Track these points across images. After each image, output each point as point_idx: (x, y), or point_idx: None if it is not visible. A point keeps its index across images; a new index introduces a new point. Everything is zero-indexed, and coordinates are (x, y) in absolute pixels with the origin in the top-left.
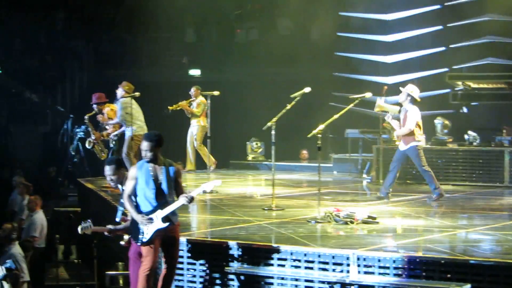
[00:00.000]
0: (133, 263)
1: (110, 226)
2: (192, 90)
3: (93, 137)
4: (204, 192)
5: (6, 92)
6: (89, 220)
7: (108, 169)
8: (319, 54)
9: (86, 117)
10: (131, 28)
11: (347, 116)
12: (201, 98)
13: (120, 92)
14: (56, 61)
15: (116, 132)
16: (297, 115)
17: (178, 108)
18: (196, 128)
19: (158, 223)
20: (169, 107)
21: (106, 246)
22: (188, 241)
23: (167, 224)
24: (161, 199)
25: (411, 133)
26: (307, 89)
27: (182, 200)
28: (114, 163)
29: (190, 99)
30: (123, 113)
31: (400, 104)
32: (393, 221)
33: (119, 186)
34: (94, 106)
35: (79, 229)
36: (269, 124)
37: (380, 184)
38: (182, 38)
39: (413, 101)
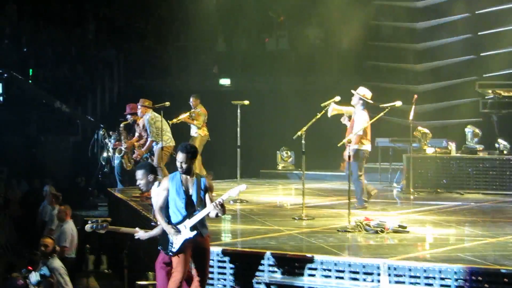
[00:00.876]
0: (158, 271)
1: (141, 231)
2: (191, 100)
3: (124, 145)
4: (230, 197)
5: (37, 102)
6: (100, 220)
7: (138, 174)
8: (349, 63)
9: (121, 125)
10: (161, 37)
11: (377, 125)
12: (201, 108)
13: (140, 110)
14: (87, 71)
15: (144, 148)
16: (328, 124)
17: (179, 121)
18: (195, 139)
19: (186, 233)
20: (169, 121)
21: (136, 256)
22: (219, 251)
23: (195, 233)
24: (190, 210)
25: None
26: (337, 98)
27: (210, 207)
28: (143, 168)
29: (191, 111)
30: (153, 129)
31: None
32: (423, 230)
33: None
34: (128, 116)
35: (87, 227)
36: (299, 133)
37: (410, 193)
38: (212, 47)
39: (365, 104)
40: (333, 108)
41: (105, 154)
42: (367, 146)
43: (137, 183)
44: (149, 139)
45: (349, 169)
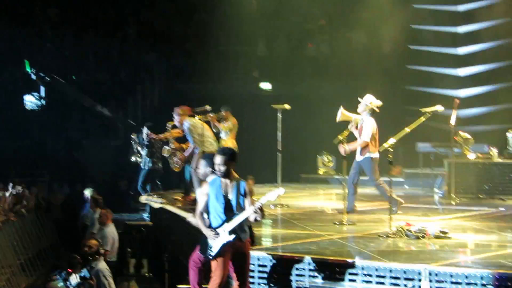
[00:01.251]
0: (190, 269)
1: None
2: (223, 112)
3: (172, 146)
4: (269, 201)
5: (78, 106)
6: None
7: (218, 159)
8: (390, 67)
9: (168, 125)
10: (202, 41)
11: (419, 130)
12: (232, 119)
13: (177, 118)
14: (128, 75)
15: (187, 153)
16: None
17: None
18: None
19: (225, 237)
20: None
21: (177, 260)
22: (260, 255)
23: (233, 236)
24: (230, 214)
25: (367, 145)
26: (379, 102)
27: (249, 211)
28: (224, 153)
29: (218, 114)
30: (194, 136)
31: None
32: (465, 235)
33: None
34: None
35: (141, 198)
36: (340, 137)
37: (452, 198)
38: (253, 51)
39: (372, 111)
40: (342, 113)
41: (133, 158)
42: (376, 155)
43: (216, 168)
44: (191, 145)
45: (354, 173)
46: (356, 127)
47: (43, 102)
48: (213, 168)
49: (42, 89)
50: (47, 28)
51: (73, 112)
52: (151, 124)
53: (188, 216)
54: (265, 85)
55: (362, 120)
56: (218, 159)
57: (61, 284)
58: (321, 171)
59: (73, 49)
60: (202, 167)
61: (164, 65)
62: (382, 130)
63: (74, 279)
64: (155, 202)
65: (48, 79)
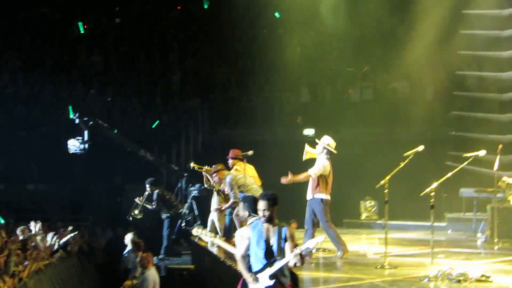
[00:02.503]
0: None
1: None
2: (230, 161)
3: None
4: (308, 248)
5: (122, 151)
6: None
7: (262, 205)
8: (434, 113)
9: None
10: (245, 87)
11: (462, 175)
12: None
13: (217, 177)
14: (171, 121)
15: (224, 207)
16: (411, 173)
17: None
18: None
19: (265, 281)
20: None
21: None
22: None
23: (274, 281)
24: (271, 259)
25: (317, 184)
26: (420, 148)
27: (288, 257)
28: (268, 199)
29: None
30: (235, 191)
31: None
32: (507, 279)
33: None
34: (230, 161)
35: (194, 231)
36: (382, 182)
37: (494, 243)
38: (296, 97)
39: (329, 153)
40: (306, 151)
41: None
42: (327, 197)
43: (260, 214)
44: (231, 200)
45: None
46: None
47: (86, 146)
48: (253, 211)
49: (86, 133)
50: (91, 74)
51: (116, 157)
52: (153, 179)
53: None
54: (309, 131)
55: (318, 160)
56: (262, 205)
57: None
58: (363, 215)
59: (117, 95)
60: (241, 210)
61: (207, 111)
62: (425, 175)
63: None
64: (205, 235)
65: (92, 122)
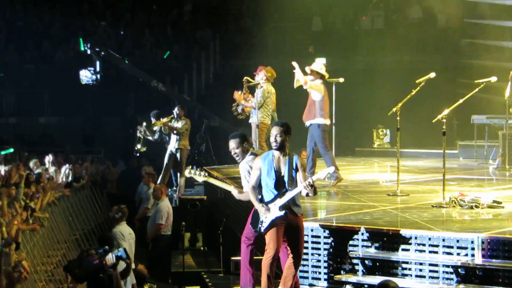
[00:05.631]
0: (242, 245)
1: (236, 190)
2: (176, 110)
3: (239, 92)
4: (319, 179)
5: (134, 82)
6: (199, 168)
7: (232, 143)
8: (445, 41)
9: (245, 79)
10: (257, 18)
11: (473, 102)
12: (186, 120)
13: (260, 77)
14: (183, 52)
15: (247, 104)
16: (423, 100)
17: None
18: (179, 154)
19: (275, 212)
20: (157, 123)
21: (231, 233)
22: (314, 226)
23: (283, 212)
24: (281, 189)
25: (313, 109)
26: (432, 74)
27: (300, 187)
28: (238, 137)
29: (171, 116)
30: (261, 100)
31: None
32: None
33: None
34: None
35: (186, 172)
36: (394, 109)
37: (506, 169)
38: (308, 27)
39: (322, 78)
40: (297, 78)
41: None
42: (325, 121)
43: (233, 153)
44: (253, 103)
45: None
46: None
47: (99, 76)
48: (248, 143)
49: (98, 64)
50: (103, 8)
51: (128, 89)
52: (157, 112)
53: (232, 189)
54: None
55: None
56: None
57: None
58: (375, 144)
59: (129, 27)
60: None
61: (219, 42)
62: (436, 102)
63: (110, 259)
64: (198, 175)
65: (103, 53)
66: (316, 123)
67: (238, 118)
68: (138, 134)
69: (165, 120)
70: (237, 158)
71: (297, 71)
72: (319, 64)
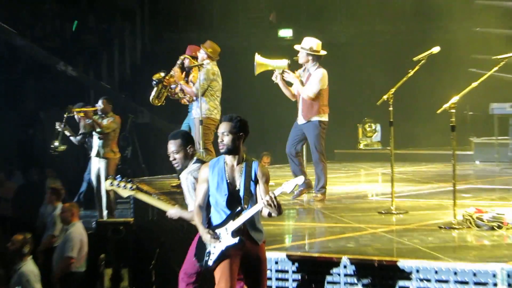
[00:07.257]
0: (179, 283)
1: (175, 209)
2: (100, 103)
3: (172, 72)
4: (284, 192)
5: (34, 65)
6: (125, 179)
7: (172, 144)
8: (453, 5)
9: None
10: None
11: (492, 85)
12: (114, 116)
13: (201, 55)
14: (100, 24)
15: (186, 89)
16: (423, 86)
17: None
18: (105, 164)
19: (227, 239)
20: (73, 109)
21: (168, 268)
22: (279, 257)
23: (237, 239)
24: (235, 208)
25: (312, 104)
26: (435, 49)
27: (259, 205)
28: (180, 137)
29: (95, 108)
30: (205, 83)
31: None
32: None
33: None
34: (186, 60)
35: (106, 183)
36: (385, 97)
37: None
38: None
39: (317, 59)
40: (257, 62)
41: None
42: (325, 117)
43: (171, 159)
44: (193, 89)
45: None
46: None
47: None
48: (193, 145)
49: None
50: None
51: (26, 74)
52: (82, 104)
53: (169, 209)
54: (285, 32)
55: (308, 71)
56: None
57: None
58: (362, 144)
59: None
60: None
61: (148, 11)
62: (441, 87)
63: None
64: (123, 189)
65: None
66: (316, 120)
67: (176, 110)
68: (57, 128)
69: (89, 108)
70: (176, 166)
71: (293, 81)
72: (310, 42)
